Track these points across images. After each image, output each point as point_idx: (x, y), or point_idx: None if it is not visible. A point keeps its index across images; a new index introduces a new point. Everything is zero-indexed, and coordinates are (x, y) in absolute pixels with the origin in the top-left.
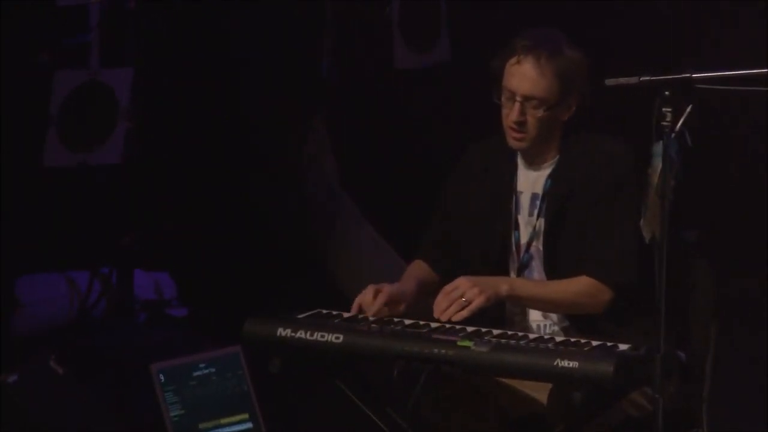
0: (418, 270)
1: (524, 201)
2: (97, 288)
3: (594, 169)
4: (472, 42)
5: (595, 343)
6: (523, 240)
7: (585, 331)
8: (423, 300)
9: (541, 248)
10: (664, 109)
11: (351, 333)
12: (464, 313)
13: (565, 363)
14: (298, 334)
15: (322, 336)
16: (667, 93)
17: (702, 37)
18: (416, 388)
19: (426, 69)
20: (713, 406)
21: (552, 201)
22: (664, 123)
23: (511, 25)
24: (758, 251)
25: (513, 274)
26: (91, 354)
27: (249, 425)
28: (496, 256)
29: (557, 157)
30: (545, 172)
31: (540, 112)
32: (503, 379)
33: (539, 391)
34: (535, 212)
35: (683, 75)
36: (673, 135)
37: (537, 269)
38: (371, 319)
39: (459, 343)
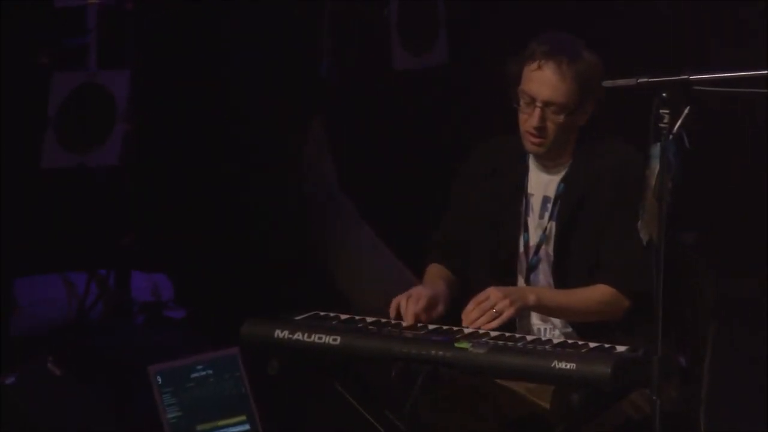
0: (438, 272)
1: (535, 203)
2: (95, 289)
3: (608, 175)
4: (470, 43)
5: (592, 344)
6: (532, 242)
7: (588, 337)
8: (452, 299)
9: (550, 252)
10: (661, 111)
11: (348, 335)
12: (494, 324)
13: (563, 365)
14: (295, 336)
15: (320, 338)
16: (664, 95)
17: (702, 38)
18: (414, 389)
19: (424, 70)
20: (714, 408)
21: (564, 205)
22: (662, 125)
23: (510, 27)
24: (757, 252)
25: (521, 277)
26: (89, 355)
27: (246, 427)
28: (504, 258)
29: (571, 161)
30: (558, 175)
31: (560, 118)
32: (501, 381)
33: (537, 393)
34: (546, 215)
35: (681, 77)
36: (670, 137)
37: (544, 273)
38: (404, 325)
39: (456, 345)
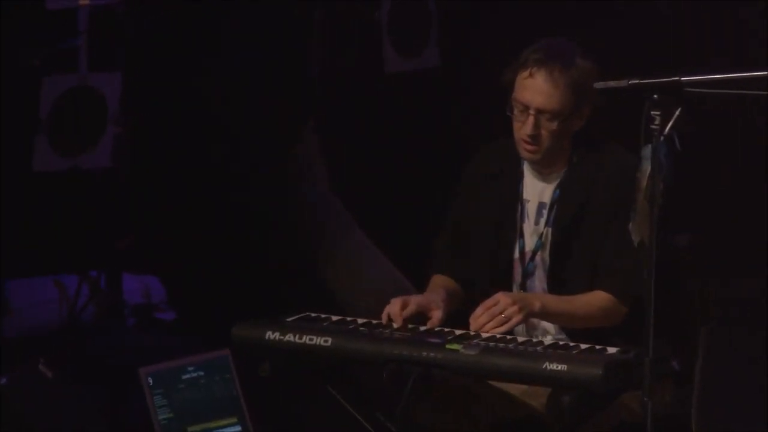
0: (442, 282)
1: (530, 210)
2: (86, 292)
3: (606, 181)
4: (465, 45)
5: (583, 346)
6: (528, 249)
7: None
8: (452, 308)
9: (546, 258)
10: (653, 113)
11: (340, 336)
12: (502, 329)
13: (554, 366)
14: (286, 338)
15: (311, 339)
16: (656, 96)
17: (702, 38)
18: (405, 391)
19: (417, 72)
20: (714, 409)
21: (560, 211)
22: (653, 126)
23: (507, 27)
24: (757, 253)
25: (516, 283)
26: (81, 358)
27: (238, 429)
28: (500, 265)
29: (566, 167)
30: (554, 182)
31: (554, 125)
32: (493, 382)
33: (529, 394)
34: (542, 221)
35: (672, 78)
36: (662, 138)
37: (540, 279)
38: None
39: (448, 346)
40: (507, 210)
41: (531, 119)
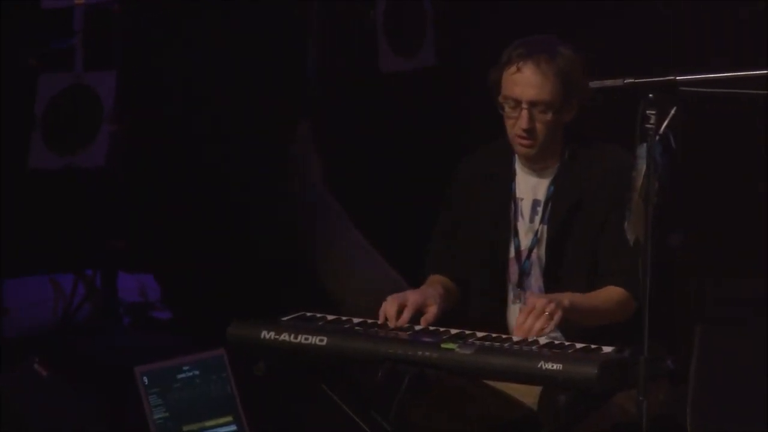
0: (437, 280)
1: (524, 207)
2: (82, 291)
3: (605, 178)
4: (462, 44)
5: (579, 345)
6: (523, 247)
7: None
8: (448, 307)
9: (542, 255)
10: (648, 112)
11: (335, 335)
12: (551, 327)
13: (550, 365)
14: (282, 337)
15: (306, 338)
16: (651, 95)
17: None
18: (401, 390)
19: (412, 72)
20: (708, 408)
21: (555, 207)
22: (649, 125)
23: (501, 28)
24: (747, 253)
25: (512, 282)
26: (76, 357)
27: (233, 428)
28: (495, 264)
29: (558, 163)
30: (547, 178)
31: (548, 116)
32: (488, 382)
33: (524, 393)
34: (537, 219)
35: (667, 77)
36: (657, 137)
37: (536, 276)
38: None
39: (443, 346)
40: (500, 209)
41: (525, 113)
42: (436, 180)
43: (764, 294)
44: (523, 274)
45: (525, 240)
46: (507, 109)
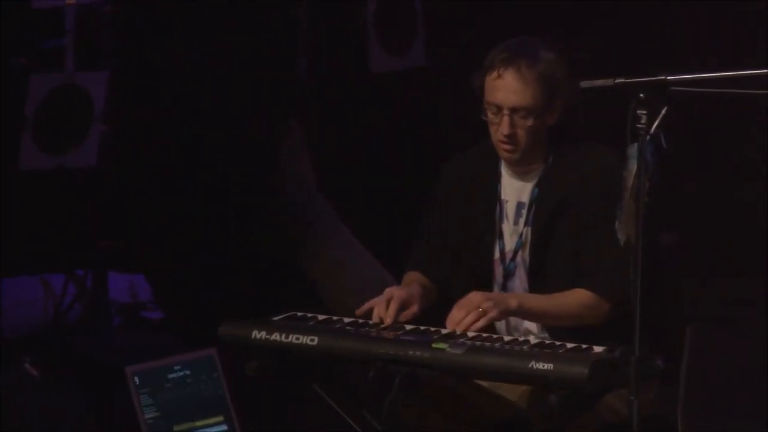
0: (415, 277)
1: (509, 210)
2: (72, 291)
3: (587, 179)
4: (449, 45)
5: (570, 345)
6: (508, 249)
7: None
8: (426, 306)
9: (526, 257)
10: (639, 112)
11: (326, 335)
12: (480, 324)
13: (540, 365)
14: (273, 337)
15: (297, 338)
16: (642, 95)
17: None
18: (392, 390)
19: (403, 72)
20: (699, 408)
21: (539, 210)
22: (640, 125)
23: (492, 27)
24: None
25: (497, 284)
26: (67, 357)
27: (224, 428)
28: (480, 266)
29: (543, 165)
30: (531, 180)
31: (529, 122)
32: (479, 381)
33: (515, 393)
34: (521, 221)
35: (658, 77)
36: (648, 137)
37: (521, 278)
38: (382, 325)
39: (434, 345)
40: (485, 211)
41: (506, 119)
42: (427, 179)
43: (756, 293)
44: (508, 275)
45: (510, 242)
46: (489, 114)
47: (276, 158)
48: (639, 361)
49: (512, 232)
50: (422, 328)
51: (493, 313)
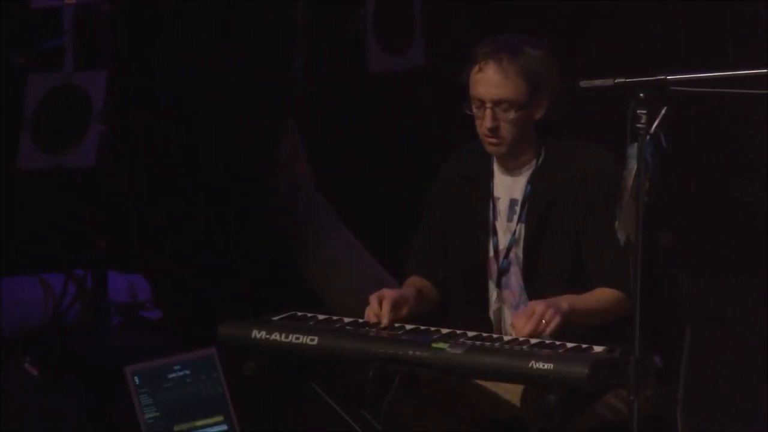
0: (415, 282)
1: (502, 207)
2: (72, 291)
3: (581, 176)
4: (447, 45)
5: (569, 345)
6: (502, 246)
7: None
8: (424, 308)
9: (520, 254)
10: (639, 111)
11: (326, 335)
12: (546, 333)
13: (540, 365)
14: (272, 336)
15: (297, 338)
16: (641, 95)
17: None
18: (391, 389)
19: (401, 72)
20: (698, 407)
21: (532, 206)
22: (639, 125)
23: (490, 27)
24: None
25: (492, 281)
26: (66, 357)
27: (224, 427)
28: (474, 263)
29: (534, 161)
30: (523, 177)
31: (511, 114)
32: (479, 381)
33: (515, 393)
34: (515, 218)
35: (658, 77)
36: (648, 137)
37: (515, 275)
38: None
39: (434, 345)
40: (479, 209)
41: (488, 112)
42: (426, 179)
43: (755, 293)
44: (503, 272)
45: (503, 239)
46: (474, 108)
47: (274, 158)
48: (639, 361)
49: (506, 229)
50: (422, 327)
51: (556, 321)
